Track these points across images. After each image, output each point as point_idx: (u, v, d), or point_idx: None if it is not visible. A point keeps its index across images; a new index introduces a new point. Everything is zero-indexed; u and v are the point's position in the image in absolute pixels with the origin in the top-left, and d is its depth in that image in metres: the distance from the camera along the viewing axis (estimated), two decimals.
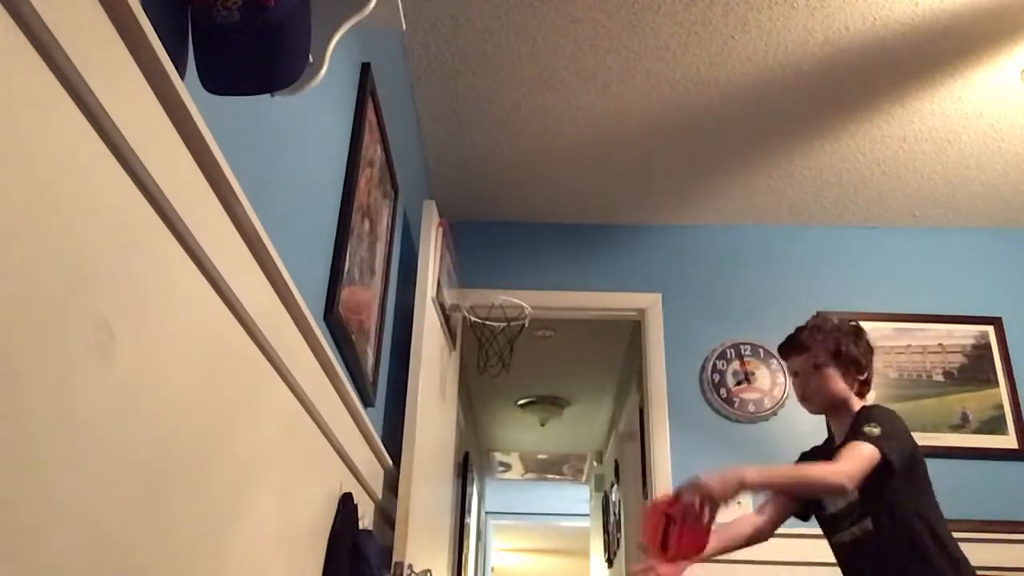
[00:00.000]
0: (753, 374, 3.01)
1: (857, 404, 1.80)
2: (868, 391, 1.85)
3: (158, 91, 0.79)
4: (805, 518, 1.89)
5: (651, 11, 2.25)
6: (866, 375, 1.83)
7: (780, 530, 2.67)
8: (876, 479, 1.60)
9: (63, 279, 0.66)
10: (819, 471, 1.61)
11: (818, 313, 2.37)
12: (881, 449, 1.59)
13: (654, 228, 3.33)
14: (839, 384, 1.79)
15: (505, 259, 3.26)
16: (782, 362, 2.98)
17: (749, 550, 2.73)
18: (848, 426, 1.78)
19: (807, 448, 1.95)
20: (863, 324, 3.15)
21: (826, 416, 1.87)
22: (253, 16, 0.85)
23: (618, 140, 2.82)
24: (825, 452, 1.88)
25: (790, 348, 1.86)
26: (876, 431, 1.62)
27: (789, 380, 1.95)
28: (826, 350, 1.80)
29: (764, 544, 2.70)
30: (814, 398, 1.81)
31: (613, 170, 3.00)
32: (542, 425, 5.53)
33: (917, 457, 1.69)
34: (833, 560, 1.83)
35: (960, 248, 3.23)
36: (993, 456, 2.84)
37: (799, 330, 1.87)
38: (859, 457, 1.57)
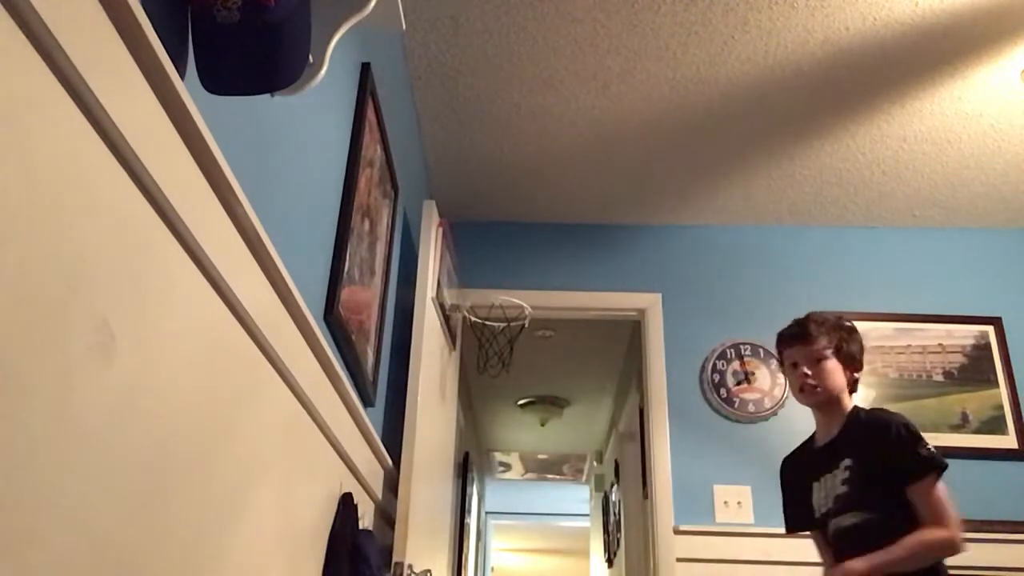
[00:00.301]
0: (753, 374, 3.01)
1: (849, 402, 1.80)
2: (856, 390, 1.85)
3: (158, 91, 0.79)
4: None
5: (651, 11, 2.25)
6: (860, 373, 1.84)
7: (779, 530, 2.67)
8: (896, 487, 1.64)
9: (63, 279, 0.66)
10: (934, 542, 1.58)
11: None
12: (941, 465, 1.63)
13: (654, 228, 3.33)
14: (841, 379, 1.78)
15: (505, 259, 3.27)
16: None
17: (751, 551, 2.75)
18: (843, 424, 1.77)
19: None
20: (863, 324, 3.16)
21: (816, 410, 1.85)
22: (253, 16, 0.85)
23: (618, 140, 2.82)
24: (810, 452, 1.88)
25: (794, 338, 1.83)
26: (930, 449, 1.64)
27: (785, 371, 1.92)
28: (830, 343, 1.79)
29: (765, 544, 2.71)
30: (816, 391, 1.78)
31: (613, 170, 3.00)
32: (542, 425, 5.53)
33: None
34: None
35: (960, 248, 3.23)
36: (993, 456, 2.84)
37: (802, 321, 1.84)
38: (944, 501, 1.60)
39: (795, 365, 1.82)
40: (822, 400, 1.80)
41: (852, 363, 1.81)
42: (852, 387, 1.82)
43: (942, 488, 1.62)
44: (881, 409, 1.83)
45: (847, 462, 1.73)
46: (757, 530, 2.73)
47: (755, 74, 2.48)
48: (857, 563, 1.59)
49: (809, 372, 1.78)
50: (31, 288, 0.62)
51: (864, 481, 1.69)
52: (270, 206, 1.23)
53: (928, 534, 1.58)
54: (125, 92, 0.74)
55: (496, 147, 2.88)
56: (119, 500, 0.75)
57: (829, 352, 1.78)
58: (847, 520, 1.70)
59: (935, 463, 1.62)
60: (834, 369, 1.78)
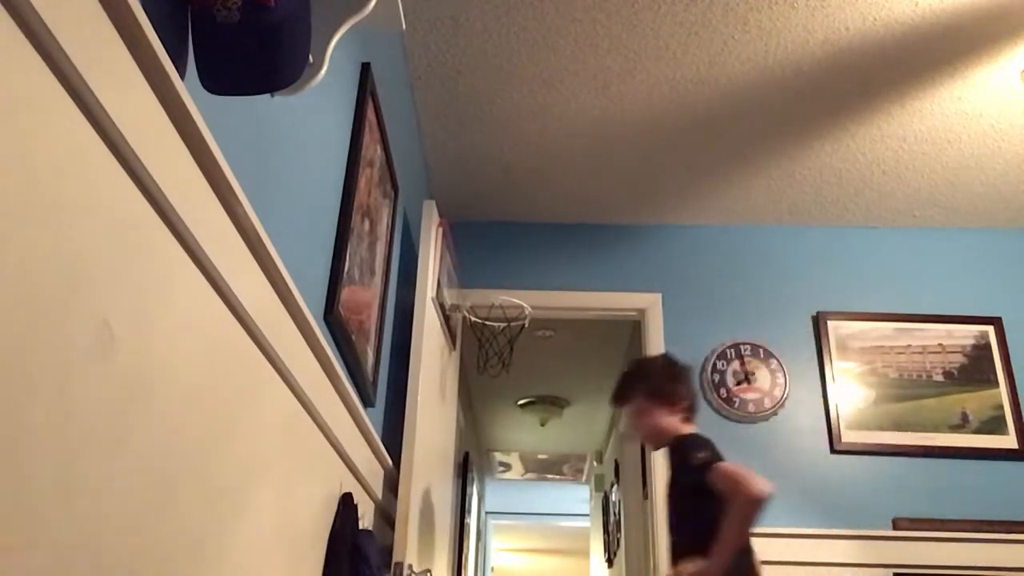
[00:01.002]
0: (753, 374, 3.00)
1: (683, 430, 1.90)
2: (695, 415, 1.95)
3: (158, 91, 0.79)
4: None
5: (651, 11, 2.25)
6: (686, 402, 1.94)
7: (777, 530, 2.67)
8: (701, 498, 1.70)
9: (63, 279, 0.66)
10: (734, 512, 1.62)
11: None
12: (716, 459, 1.73)
13: (654, 228, 3.33)
14: (664, 420, 1.90)
15: (505, 259, 3.26)
16: (782, 362, 3.00)
17: None
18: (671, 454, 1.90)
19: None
20: (863, 324, 3.17)
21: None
22: (253, 16, 0.85)
23: (618, 140, 2.82)
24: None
25: (616, 400, 2.03)
26: (702, 456, 1.75)
27: None
28: (642, 394, 1.94)
29: (764, 543, 2.70)
30: (649, 438, 1.95)
31: (613, 170, 3.00)
32: (542, 425, 5.53)
33: None
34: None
35: (960, 248, 3.23)
36: (993, 456, 2.84)
37: (619, 381, 2.03)
38: (729, 471, 1.67)
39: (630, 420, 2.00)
40: (658, 443, 1.94)
41: (670, 399, 1.92)
42: (687, 415, 1.92)
43: (725, 465, 1.69)
44: (691, 434, 1.90)
45: (666, 490, 1.90)
46: (756, 530, 2.73)
47: (755, 74, 2.48)
48: (687, 568, 1.66)
49: (630, 424, 1.99)
50: (31, 288, 0.62)
51: (675, 506, 1.84)
52: (270, 206, 1.23)
53: (728, 510, 1.62)
54: (125, 92, 0.74)
55: (496, 147, 2.88)
56: (119, 500, 0.75)
57: (645, 403, 1.93)
58: (670, 541, 1.86)
59: (710, 462, 1.71)
60: (653, 414, 1.91)
